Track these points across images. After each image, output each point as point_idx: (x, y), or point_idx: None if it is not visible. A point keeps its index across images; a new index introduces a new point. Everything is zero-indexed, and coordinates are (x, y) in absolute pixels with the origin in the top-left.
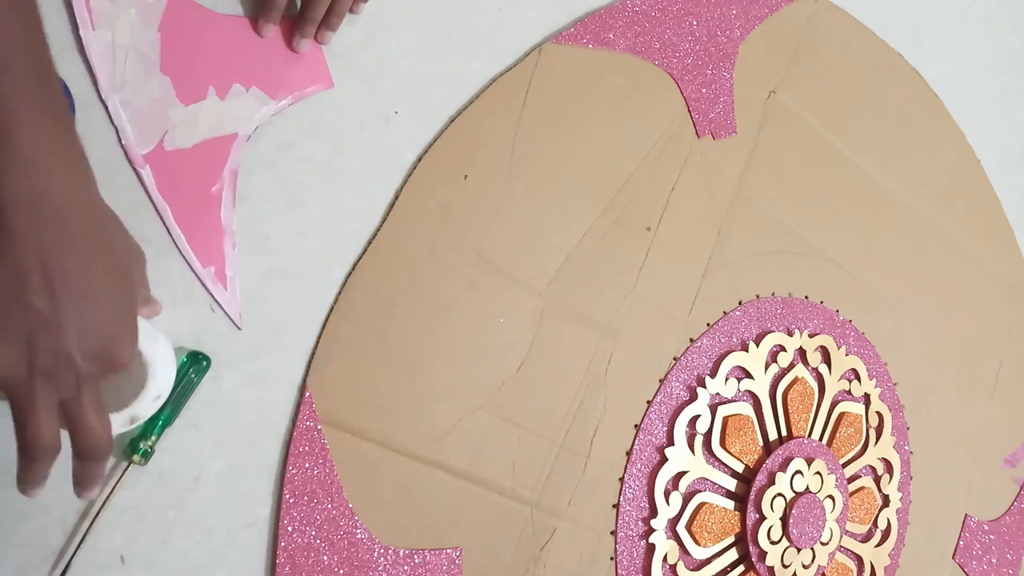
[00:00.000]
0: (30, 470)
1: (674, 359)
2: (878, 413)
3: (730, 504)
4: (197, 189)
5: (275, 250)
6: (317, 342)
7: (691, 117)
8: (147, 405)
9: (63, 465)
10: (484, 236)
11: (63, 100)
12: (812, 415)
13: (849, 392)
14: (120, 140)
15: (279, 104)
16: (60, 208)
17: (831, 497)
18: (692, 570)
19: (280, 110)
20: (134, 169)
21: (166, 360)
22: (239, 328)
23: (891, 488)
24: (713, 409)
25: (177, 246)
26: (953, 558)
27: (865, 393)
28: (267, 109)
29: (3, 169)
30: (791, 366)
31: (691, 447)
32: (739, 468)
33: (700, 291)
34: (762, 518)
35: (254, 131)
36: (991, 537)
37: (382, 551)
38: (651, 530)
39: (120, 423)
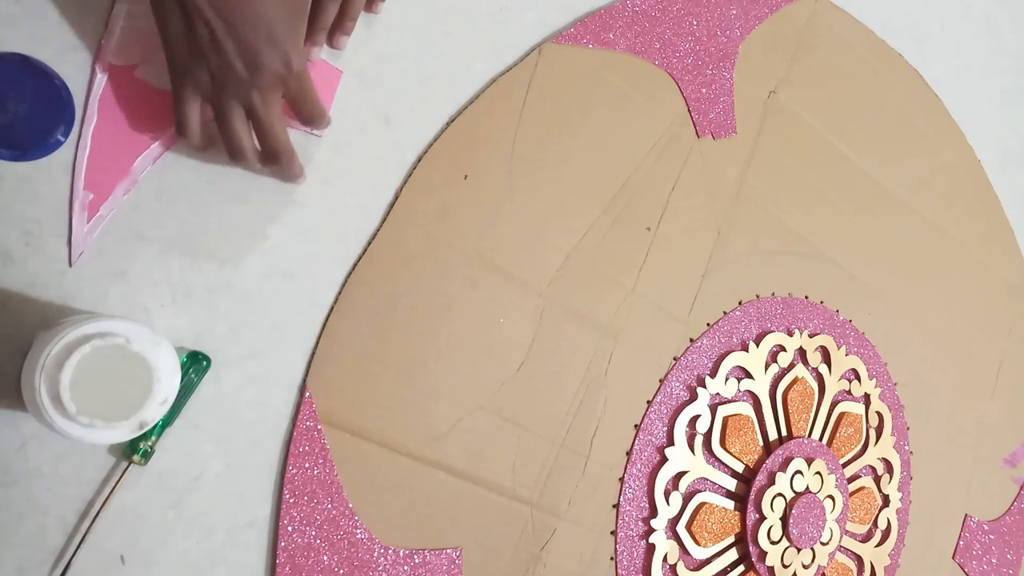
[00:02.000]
0: (242, 165)
1: (674, 359)
2: (878, 413)
3: (730, 504)
4: (134, 125)
5: (275, 250)
6: (317, 342)
7: (691, 117)
8: (154, 410)
9: (63, 465)
10: (484, 236)
11: None
12: (812, 415)
13: (849, 392)
14: (101, 40)
15: None
16: None
17: (831, 497)
18: (692, 570)
19: None
20: (92, 68)
21: (170, 364)
22: (70, 266)
23: (891, 488)
24: (713, 409)
25: (75, 156)
26: (953, 558)
27: (865, 393)
28: None
29: None
30: (791, 366)
31: (691, 447)
32: (739, 468)
33: (700, 291)
34: (762, 518)
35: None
36: (991, 537)
37: (382, 551)
38: (651, 530)
39: (129, 430)
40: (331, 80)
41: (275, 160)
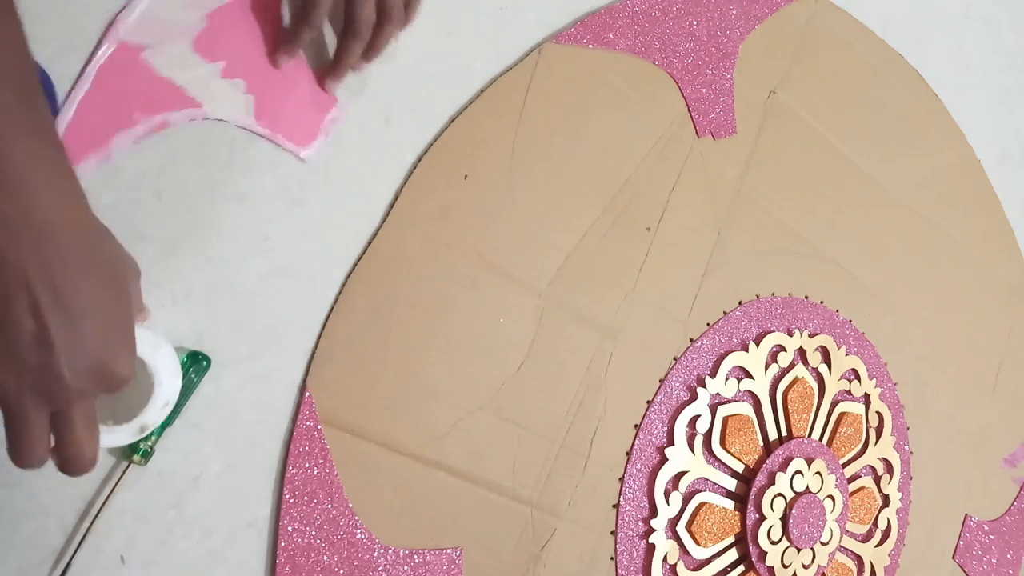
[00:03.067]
0: (20, 467)
1: (674, 359)
2: (878, 413)
3: (730, 504)
4: (123, 102)
5: (275, 250)
6: (317, 342)
7: (691, 117)
8: (156, 413)
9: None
10: (484, 236)
11: (49, 117)
12: (812, 415)
13: (849, 392)
14: (118, 13)
15: (253, 126)
16: (45, 226)
17: (831, 497)
18: (692, 570)
19: (250, 131)
20: (99, 40)
21: (170, 366)
22: None
23: (891, 488)
24: (713, 409)
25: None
26: (953, 558)
27: (865, 393)
28: (242, 119)
29: None
30: (791, 366)
31: (691, 447)
32: (739, 468)
33: (700, 291)
34: (762, 518)
35: (211, 120)
36: (991, 537)
37: (382, 551)
38: (651, 530)
39: (130, 433)
40: (324, 106)
41: (77, 471)
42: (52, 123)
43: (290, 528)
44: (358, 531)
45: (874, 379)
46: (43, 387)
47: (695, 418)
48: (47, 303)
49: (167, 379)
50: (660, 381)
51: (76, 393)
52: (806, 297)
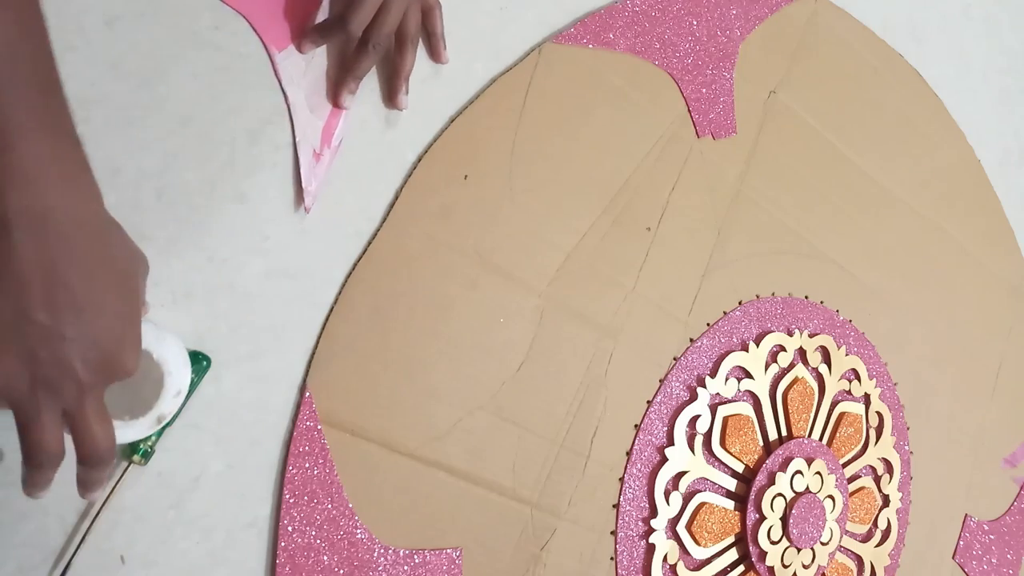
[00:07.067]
0: (35, 476)
1: (674, 359)
2: (878, 413)
3: (730, 504)
4: None
5: (275, 250)
6: (317, 342)
7: (691, 117)
8: (170, 402)
9: (65, 466)
10: (484, 236)
11: (67, 113)
12: (812, 415)
13: (849, 392)
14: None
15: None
16: (60, 222)
17: (831, 497)
18: (692, 570)
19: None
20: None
21: (178, 356)
22: None
23: (891, 488)
24: (713, 409)
25: None
26: (953, 558)
27: (865, 393)
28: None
29: (3, 184)
30: (791, 366)
31: (691, 447)
32: (739, 468)
33: (700, 291)
34: (762, 518)
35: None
36: (991, 537)
37: (382, 551)
38: (651, 530)
39: (148, 425)
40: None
41: (98, 463)
42: (70, 117)
43: (290, 528)
44: (358, 531)
45: (874, 379)
46: (54, 382)
47: (695, 418)
48: (62, 297)
49: (176, 369)
50: (660, 381)
51: (87, 387)
52: (806, 297)
